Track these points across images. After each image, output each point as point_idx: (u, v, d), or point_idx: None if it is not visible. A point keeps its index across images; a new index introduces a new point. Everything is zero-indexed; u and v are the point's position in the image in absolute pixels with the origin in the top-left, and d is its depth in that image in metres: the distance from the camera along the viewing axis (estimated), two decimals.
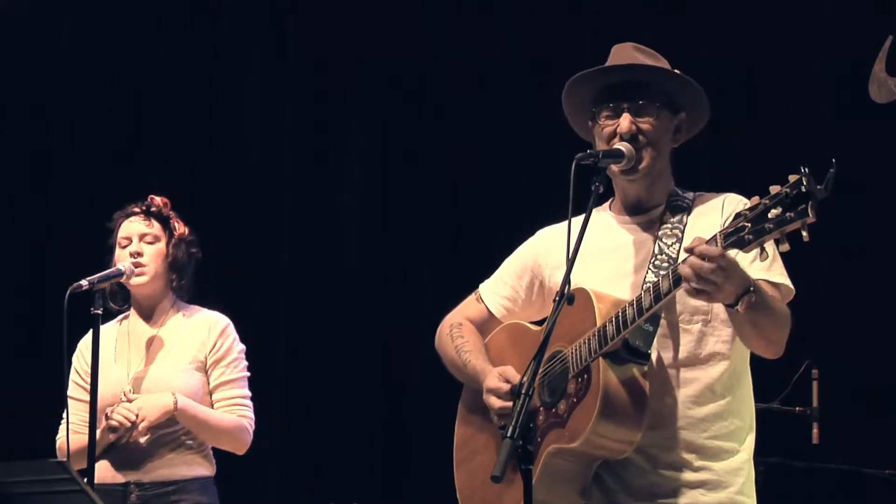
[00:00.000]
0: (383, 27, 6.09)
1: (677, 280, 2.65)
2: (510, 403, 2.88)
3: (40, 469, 3.17)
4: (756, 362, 3.06)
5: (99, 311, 3.78)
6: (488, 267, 3.29)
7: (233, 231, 6.00)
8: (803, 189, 2.44)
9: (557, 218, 3.12)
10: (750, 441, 2.93)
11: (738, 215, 2.56)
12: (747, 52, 5.57)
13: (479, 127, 5.96)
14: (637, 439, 2.78)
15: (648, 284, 2.76)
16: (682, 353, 2.86)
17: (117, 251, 3.97)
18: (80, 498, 3.12)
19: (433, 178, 6.04)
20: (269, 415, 4.12)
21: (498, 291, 3.19)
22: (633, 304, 2.76)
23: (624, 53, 3.01)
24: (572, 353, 2.85)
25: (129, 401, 3.78)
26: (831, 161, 2.43)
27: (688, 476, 2.84)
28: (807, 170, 2.45)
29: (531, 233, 3.24)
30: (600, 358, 2.78)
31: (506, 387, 2.92)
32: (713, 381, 2.87)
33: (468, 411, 3.17)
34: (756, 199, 2.55)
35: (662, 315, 2.83)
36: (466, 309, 3.24)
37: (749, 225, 2.53)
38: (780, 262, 2.86)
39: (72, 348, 4.01)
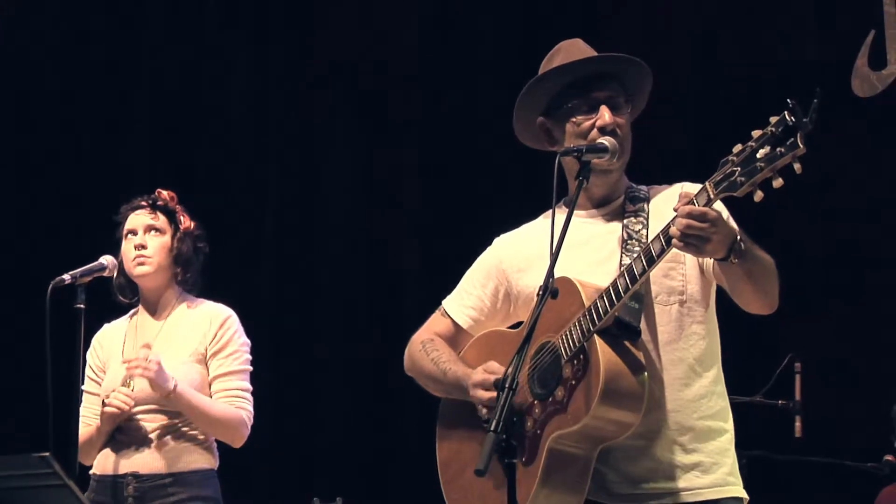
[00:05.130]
0: (371, 14, 6.10)
1: (668, 240, 2.67)
2: (495, 393, 2.84)
3: (23, 464, 3.16)
4: (739, 356, 3.07)
5: (81, 306, 3.77)
6: (473, 257, 3.27)
7: (217, 223, 5.98)
8: (790, 123, 2.48)
9: (539, 212, 3.13)
10: (731, 421, 2.96)
11: (724, 162, 2.59)
12: (729, 48, 5.59)
13: (464, 115, 5.96)
14: (641, 411, 2.77)
15: (637, 251, 2.77)
16: (663, 334, 2.87)
17: (123, 244, 3.97)
18: (63, 493, 3.12)
19: (419, 164, 6.04)
20: (254, 409, 4.10)
21: (463, 303, 3.17)
22: (623, 275, 2.76)
23: (577, 49, 3.01)
24: (562, 339, 2.85)
25: (145, 359, 3.76)
26: (816, 91, 2.48)
27: (682, 458, 2.86)
28: (793, 103, 2.49)
29: (516, 223, 3.24)
30: (595, 336, 2.78)
31: (492, 378, 2.90)
32: (695, 361, 2.89)
33: (449, 427, 3.15)
34: (740, 146, 2.58)
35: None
36: (433, 325, 3.21)
37: (739, 168, 2.56)
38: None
39: (55, 343, 3.99)
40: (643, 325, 2.86)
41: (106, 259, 3.93)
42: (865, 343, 5.44)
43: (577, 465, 2.83)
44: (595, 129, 2.92)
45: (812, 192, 5.34)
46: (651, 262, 2.72)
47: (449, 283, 3.30)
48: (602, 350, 2.76)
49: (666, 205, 2.89)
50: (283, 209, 6.18)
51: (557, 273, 2.80)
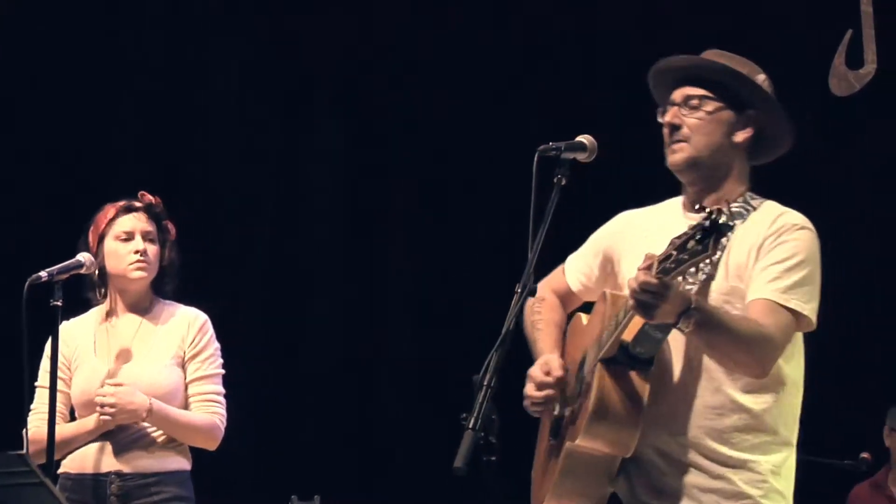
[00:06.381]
0: (356, 12, 6.10)
1: None
2: (541, 394, 2.92)
3: None
4: None
5: (59, 303, 3.75)
6: (459, 263, 3.27)
7: (203, 223, 5.97)
8: (708, 224, 2.52)
9: (525, 210, 3.12)
10: (778, 456, 2.90)
11: (671, 242, 2.61)
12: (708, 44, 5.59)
13: (453, 110, 5.97)
14: (634, 441, 2.79)
15: (693, 280, 2.75)
16: (706, 363, 2.86)
17: (112, 243, 3.93)
18: (39, 491, 3.10)
19: (407, 163, 6.05)
20: (234, 409, 4.10)
21: (577, 267, 3.19)
22: (616, 315, 2.79)
23: (706, 56, 3.01)
24: (589, 355, 2.91)
25: (102, 395, 3.78)
26: (727, 203, 2.58)
27: (706, 483, 2.85)
28: (712, 210, 2.53)
29: (504, 224, 3.24)
30: (599, 363, 2.81)
31: (540, 378, 2.93)
32: (738, 393, 2.86)
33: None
34: (689, 227, 2.59)
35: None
36: (552, 280, 3.24)
37: (674, 253, 2.58)
38: (805, 289, 2.88)
39: (32, 341, 3.97)
40: (688, 351, 2.85)
41: (83, 256, 3.90)
42: (841, 342, 5.47)
43: (595, 467, 2.87)
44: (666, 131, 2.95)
45: (795, 186, 5.37)
46: (626, 313, 2.74)
47: (434, 280, 3.30)
48: (599, 379, 2.79)
49: (750, 232, 2.87)
50: (270, 207, 6.18)
51: (635, 265, 2.80)
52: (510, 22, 5.84)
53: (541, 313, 3.17)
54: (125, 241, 3.93)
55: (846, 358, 5.51)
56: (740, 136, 2.93)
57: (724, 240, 2.54)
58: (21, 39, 6.10)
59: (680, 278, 2.63)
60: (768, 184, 3.00)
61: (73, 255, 3.91)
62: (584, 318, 3.13)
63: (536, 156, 2.83)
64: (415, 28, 6.08)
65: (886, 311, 5.57)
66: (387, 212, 6.06)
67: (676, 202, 3.03)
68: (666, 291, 2.61)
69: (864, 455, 5.11)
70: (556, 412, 2.98)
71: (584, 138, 2.90)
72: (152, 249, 3.95)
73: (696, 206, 2.79)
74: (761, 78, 2.97)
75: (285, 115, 6.19)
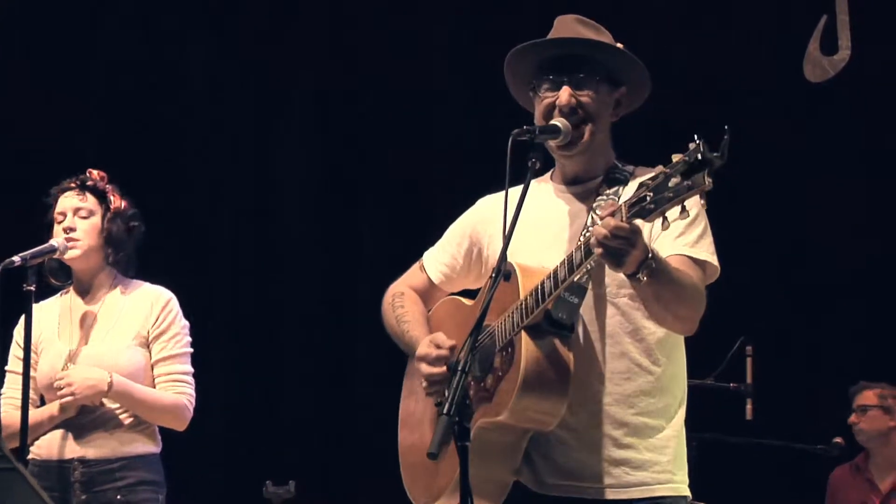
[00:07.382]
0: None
1: (588, 251, 2.64)
2: (439, 370, 2.86)
3: None
4: (691, 339, 3.07)
5: (32, 288, 3.73)
6: (430, 238, 3.28)
7: (174, 206, 5.96)
8: (699, 157, 2.44)
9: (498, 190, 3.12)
10: (679, 418, 2.91)
11: (641, 185, 2.56)
12: (687, 31, 5.61)
13: (421, 101, 5.97)
14: (562, 410, 2.77)
15: (565, 257, 2.75)
16: (608, 327, 2.85)
17: (55, 227, 3.92)
18: (11, 476, 3.09)
19: (374, 154, 6.05)
20: (208, 393, 4.09)
21: (438, 258, 3.18)
22: (550, 277, 2.75)
23: (566, 26, 2.98)
24: (498, 327, 2.85)
25: (60, 378, 3.75)
26: (724, 129, 2.43)
27: (613, 454, 2.83)
28: (700, 140, 2.45)
29: (472, 203, 3.23)
30: (523, 331, 2.77)
31: (435, 352, 2.89)
32: (641, 356, 2.85)
33: (410, 384, 3.15)
34: (660, 168, 2.54)
35: (590, 288, 2.82)
36: (410, 278, 3.22)
37: (651, 194, 2.52)
38: (708, 240, 2.85)
39: (7, 325, 3.95)
40: (588, 317, 2.84)
41: (57, 241, 3.88)
42: (814, 327, 5.50)
43: (504, 448, 2.84)
44: (556, 109, 2.90)
45: (768, 180, 5.40)
46: (572, 270, 2.70)
47: (406, 267, 3.30)
48: (526, 347, 2.75)
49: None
50: (242, 193, 6.16)
51: (519, 246, 2.81)
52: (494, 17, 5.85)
53: (403, 307, 3.14)
54: (60, 223, 3.91)
55: (817, 345, 5.54)
56: (622, 112, 2.97)
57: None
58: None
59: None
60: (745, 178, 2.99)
61: (46, 240, 3.90)
62: (462, 300, 3.09)
63: (511, 139, 2.82)
64: (391, 28, 6.09)
65: (857, 295, 5.61)
66: (361, 193, 6.07)
67: (543, 180, 3.00)
68: (635, 237, 2.56)
69: (837, 440, 5.15)
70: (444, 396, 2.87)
71: (559, 121, 2.89)
72: (85, 224, 3.88)
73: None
74: (619, 44, 2.97)
75: (260, 108, 6.18)
